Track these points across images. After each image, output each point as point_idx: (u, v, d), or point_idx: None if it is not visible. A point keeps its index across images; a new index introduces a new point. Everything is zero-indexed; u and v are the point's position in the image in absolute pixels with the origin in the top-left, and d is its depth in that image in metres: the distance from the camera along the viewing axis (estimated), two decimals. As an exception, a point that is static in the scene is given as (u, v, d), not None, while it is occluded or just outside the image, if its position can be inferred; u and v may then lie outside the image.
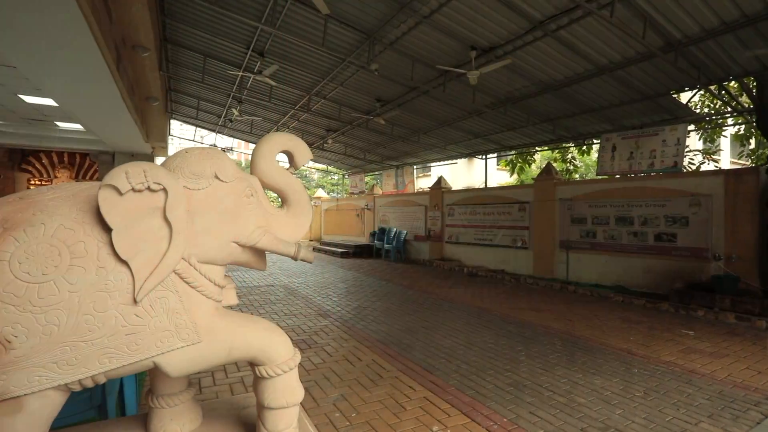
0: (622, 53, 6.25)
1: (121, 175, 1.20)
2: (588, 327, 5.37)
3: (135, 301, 1.23)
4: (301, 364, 3.84)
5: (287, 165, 1.74)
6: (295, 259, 1.57)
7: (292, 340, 4.54)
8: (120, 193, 1.20)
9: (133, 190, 1.23)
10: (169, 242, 1.28)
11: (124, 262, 1.22)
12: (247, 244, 1.47)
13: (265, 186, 1.61)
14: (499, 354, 4.24)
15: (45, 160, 13.62)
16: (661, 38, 5.70)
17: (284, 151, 1.65)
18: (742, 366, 4.01)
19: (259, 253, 1.58)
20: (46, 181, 13.61)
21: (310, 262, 1.67)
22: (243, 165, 25.19)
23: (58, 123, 10.57)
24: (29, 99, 8.14)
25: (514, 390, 3.35)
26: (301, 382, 3.37)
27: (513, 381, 3.54)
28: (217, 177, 1.41)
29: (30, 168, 13.50)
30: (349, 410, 2.96)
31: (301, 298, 6.95)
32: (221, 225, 1.41)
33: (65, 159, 13.86)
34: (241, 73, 8.42)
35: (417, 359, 4.04)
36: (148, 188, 1.25)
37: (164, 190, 1.27)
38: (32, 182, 13.53)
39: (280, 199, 1.71)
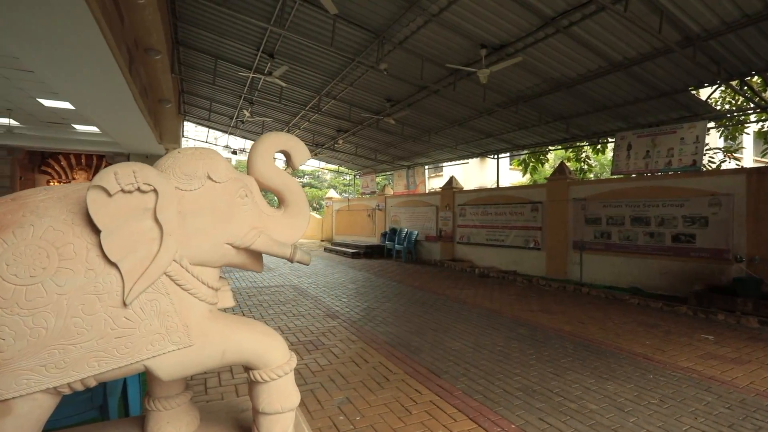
0: (637, 49, 6.08)
1: (110, 175, 1.18)
2: (602, 330, 5.23)
3: (125, 304, 1.21)
4: (306, 366, 3.82)
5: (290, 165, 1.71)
6: (291, 261, 1.53)
7: (299, 341, 4.56)
8: (109, 194, 1.18)
9: (123, 191, 1.21)
10: (159, 244, 1.26)
11: (114, 264, 1.20)
12: (242, 246, 1.44)
13: (262, 186, 1.57)
14: (508, 357, 4.15)
15: (63, 162, 13.98)
16: (678, 32, 5.51)
17: (282, 151, 1.61)
18: (765, 373, 3.84)
19: (255, 254, 1.55)
20: (64, 182, 13.97)
21: (307, 265, 1.62)
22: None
23: (75, 126, 10.84)
24: (47, 102, 8.36)
25: (523, 395, 3.26)
26: (306, 384, 3.37)
27: (522, 386, 3.45)
28: (209, 177, 1.38)
29: (49, 170, 13.87)
30: (354, 413, 2.92)
31: (310, 299, 6.95)
32: (214, 226, 1.38)
33: (83, 161, 14.20)
34: (251, 75, 8.48)
35: (424, 362, 3.98)
36: (138, 189, 1.23)
37: (155, 191, 1.25)
38: (51, 183, 13.90)
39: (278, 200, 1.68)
